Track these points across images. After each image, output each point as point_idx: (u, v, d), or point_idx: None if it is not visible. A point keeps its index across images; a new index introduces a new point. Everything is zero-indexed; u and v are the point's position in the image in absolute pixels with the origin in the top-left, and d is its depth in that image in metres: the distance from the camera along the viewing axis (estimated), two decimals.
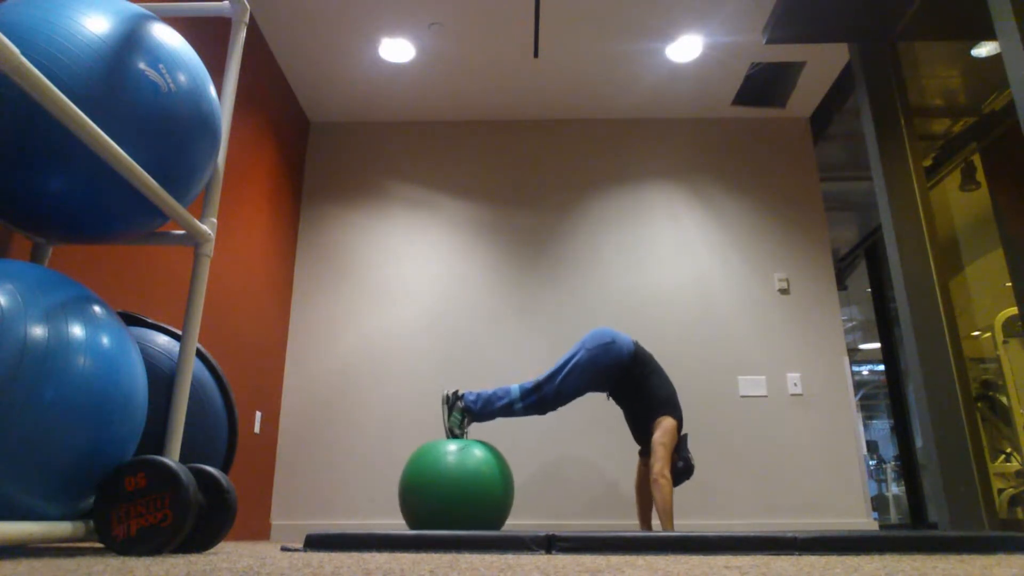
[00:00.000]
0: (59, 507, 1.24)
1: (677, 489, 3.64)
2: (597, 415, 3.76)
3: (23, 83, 1.11)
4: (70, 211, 1.46)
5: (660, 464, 2.51)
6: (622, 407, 2.78)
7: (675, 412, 2.67)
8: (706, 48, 3.72)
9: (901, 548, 1.36)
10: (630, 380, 2.68)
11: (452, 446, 2.53)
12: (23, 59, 1.09)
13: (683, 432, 2.94)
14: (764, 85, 4.08)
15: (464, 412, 2.69)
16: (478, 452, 2.52)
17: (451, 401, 2.70)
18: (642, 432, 2.72)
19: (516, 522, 3.59)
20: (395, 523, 3.62)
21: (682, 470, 2.62)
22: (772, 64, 3.90)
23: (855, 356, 7.00)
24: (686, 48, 3.71)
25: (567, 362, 2.68)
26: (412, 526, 2.51)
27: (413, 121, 4.38)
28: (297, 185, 4.17)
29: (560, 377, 2.65)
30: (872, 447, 7.40)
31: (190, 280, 2.02)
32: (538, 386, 2.67)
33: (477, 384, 3.83)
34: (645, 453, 2.84)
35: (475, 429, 3.74)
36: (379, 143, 4.34)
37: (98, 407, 1.23)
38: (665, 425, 2.60)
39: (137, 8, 1.55)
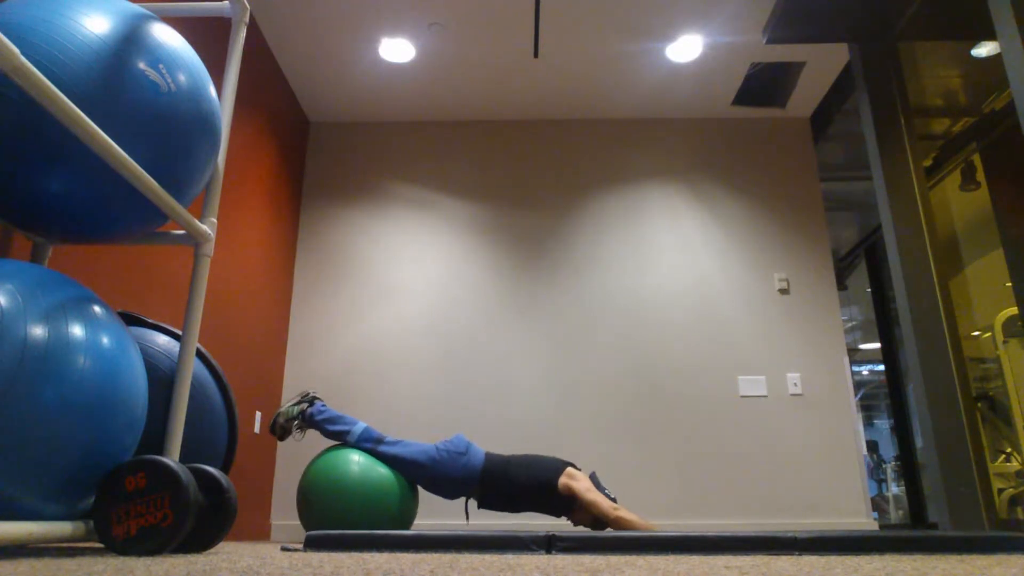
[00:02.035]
0: (59, 507, 1.24)
1: (678, 489, 3.63)
2: (597, 416, 3.77)
3: (23, 83, 1.11)
4: (70, 211, 1.46)
5: (604, 506, 2.38)
6: (512, 510, 2.57)
7: (564, 462, 2.55)
8: (706, 48, 3.72)
9: (901, 548, 1.36)
10: (498, 487, 2.52)
11: (356, 455, 2.49)
12: (23, 59, 1.09)
13: (591, 472, 2.79)
14: (764, 85, 4.08)
15: (302, 413, 2.63)
16: (381, 469, 2.49)
17: (307, 398, 2.66)
18: (562, 506, 2.53)
19: (516, 522, 3.59)
20: None
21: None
22: (772, 64, 3.90)
23: (855, 356, 7.00)
24: (686, 48, 3.71)
25: (412, 449, 2.55)
26: (309, 527, 2.46)
27: (413, 121, 4.38)
28: (297, 185, 4.17)
29: (396, 452, 2.51)
30: (872, 447, 7.40)
31: (190, 280, 2.02)
32: (378, 441, 2.56)
33: (478, 383, 3.83)
34: (581, 518, 2.57)
35: (478, 428, 3.74)
36: (379, 143, 4.34)
37: (98, 407, 1.23)
38: (573, 474, 2.48)
39: (137, 8, 1.55)
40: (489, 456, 2.58)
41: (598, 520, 2.45)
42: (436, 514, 3.61)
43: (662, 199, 4.18)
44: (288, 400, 2.61)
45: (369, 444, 2.54)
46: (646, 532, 1.51)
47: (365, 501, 2.39)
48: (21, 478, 1.14)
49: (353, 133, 4.37)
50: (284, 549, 1.57)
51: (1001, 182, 2.83)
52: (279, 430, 2.64)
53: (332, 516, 2.37)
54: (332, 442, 3.37)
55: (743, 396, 3.78)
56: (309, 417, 2.61)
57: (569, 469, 2.52)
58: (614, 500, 2.46)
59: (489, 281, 4.03)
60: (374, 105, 4.22)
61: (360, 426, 2.59)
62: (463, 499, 3.28)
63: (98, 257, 2.20)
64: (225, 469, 1.80)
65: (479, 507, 2.61)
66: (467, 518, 2.63)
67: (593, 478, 2.52)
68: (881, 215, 2.88)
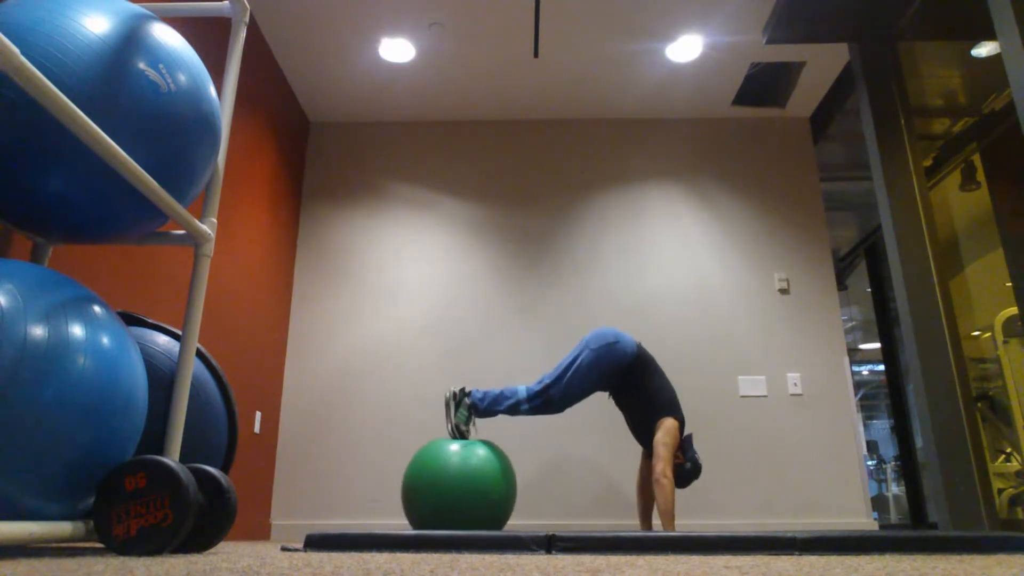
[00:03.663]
0: (59, 507, 1.24)
1: (678, 489, 3.63)
2: (597, 415, 3.76)
3: (23, 83, 1.11)
4: (70, 211, 1.46)
5: (662, 464, 2.51)
6: (623, 408, 2.77)
7: (677, 413, 2.66)
8: (706, 48, 3.72)
9: (901, 548, 1.36)
10: (632, 381, 2.67)
11: (455, 445, 2.53)
12: (23, 59, 1.09)
13: (688, 433, 2.92)
14: (764, 85, 4.08)
15: (471, 409, 2.68)
16: (481, 451, 2.52)
17: (458, 398, 2.69)
18: (644, 433, 2.71)
19: (516, 522, 3.59)
20: (396, 523, 3.62)
21: (690, 471, 2.61)
22: (772, 64, 3.90)
23: (855, 356, 6.99)
24: (686, 48, 3.71)
25: (572, 363, 2.66)
26: (416, 525, 2.51)
27: (413, 121, 4.38)
28: (297, 185, 4.17)
29: (566, 379, 2.64)
30: (872, 447, 7.39)
31: (190, 280, 2.02)
32: (545, 388, 2.66)
33: (477, 384, 3.83)
34: (648, 454, 2.83)
35: (478, 427, 3.74)
36: (379, 143, 4.34)
37: (98, 407, 1.23)
38: (667, 426, 2.60)
39: (137, 8, 1.55)
40: (639, 346, 2.74)
41: (677, 472, 2.63)
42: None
43: (662, 199, 4.18)
44: (448, 413, 2.66)
45: (540, 398, 2.66)
46: (646, 533, 1.51)
47: (465, 495, 2.42)
48: (21, 478, 1.14)
49: (353, 133, 4.37)
50: (284, 549, 1.57)
51: (1001, 182, 2.83)
52: (460, 437, 2.68)
53: (431, 510, 2.41)
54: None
55: (743, 396, 3.78)
56: (477, 410, 2.67)
57: (668, 418, 2.63)
58: (700, 467, 2.62)
59: (489, 281, 4.03)
60: (374, 105, 4.22)
61: (522, 390, 2.68)
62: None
63: (98, 257, 2.20)
64: (225, 469, 1.80)
65: (611, 395, 2.76)
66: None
67: (688, 440, 2.65)
68: (881, 215, 2.88)
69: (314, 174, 4.29)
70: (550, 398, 2.64)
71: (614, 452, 3.70)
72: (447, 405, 2.70)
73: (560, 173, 4.25)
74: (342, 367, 3.89)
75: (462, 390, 2.71)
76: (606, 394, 3.80)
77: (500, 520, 2.53)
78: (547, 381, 2.67)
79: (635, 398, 2.68)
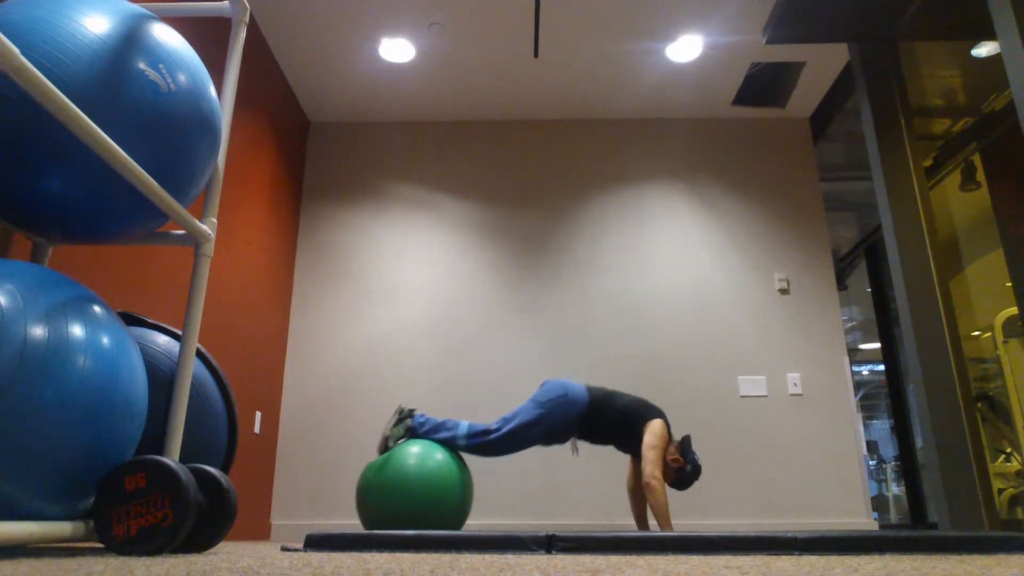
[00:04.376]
0: (59, 507, 1.24)
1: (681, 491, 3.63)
2: None
3: (23, 83, 1.11)
4: (70, 211, 1.46)
5: (651, 467, 2.48)
6: (603, 442, 2.71)
7: (657, 413, 2.63)
8: (706, 48, 3.72)
9: (901, 548, 1.36)
10: (597, 419, 2.63)
11: (415, 447, 2.50)
12: (23, 59, 1.09)
13: (686, 434, 2.90)
14: (764, 85, 4.08)
15: (408, 430, 2.65)
16: (439, 455, 2.50)
17: (403, 414, 2.67)
18: (636, 444, 2.67)
19: (516, 522, 3.59)
20: None
21: (690, 473, 2.59)
22: (772, 64, 3.90)
23: (855, 356, 7.00)
24: (686, 48, 3.71)
25: (516, 416, 2.60)
26: (368, 526, 2.47)
27: (413, 121, 4.38)
28: (297, 185, 4.17)
29: (508, 429, 2.57)
30: (872, 447, 7.40)
31: (190, 280, 2.02)
32: (484, 433, 2.60)
33: (478, 383, 3.83)
34: (637, 459, 2.79)
35: None
36: (379, 143, 4.34)
37: (98, 407, 1.23)
38: (653, 427, 2.57)
39: (137, 8, 1.55)
40: (590, 390, 2.69)
41: (674, 476, 2.61)
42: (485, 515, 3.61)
43: (662, 199, 4.18)
44: (388, 422, 2.64)
45: (479, 439, 2.59)
46: (646, 532, 1.51)
47: (422, 497, 2.39)
48: (21, 478, 1.14)
49: (353, 133, 4.37)
50: (284, 549, 1.57)
51: (1001, 182, 2.83)
52: (386, 451, 2.66)
53: (389, 514, 2.38)
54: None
55: (743, 396, 3.78)
56: (414, 432, 2.63)
57: (655, 420, 2.59)
58: (700, 468, 2.60)
59: (489, 281, 4.03)
60: (374, 105, 4.22)
61: (463, 426, 2.63)
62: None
63: (98, 257, 2.20)
64: (225, 469, 1.80)
65: (578, 438, 2.71)
66: (576, 451, 2.78)
67: (686, 441, 2.62)
68: (881, 215, 2.88)
69: (314, 174, 4.29)
70: (488, 445, 2.59)
71: (614, 452, 3.69)
72: (395, 414, 2.68)
73: (560, 173, 4.25)
74: (342, 367, 3.89)
75: (411, 410, 2.69)
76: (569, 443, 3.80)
77: (456, 522, 2.51)
78: (490, 427, 2.61)
79: (610, 429, 2.64)
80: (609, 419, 2.62)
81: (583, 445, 3.68)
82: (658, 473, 2.48)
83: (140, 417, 1.37)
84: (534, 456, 3.70)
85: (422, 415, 2.67)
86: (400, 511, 2.38)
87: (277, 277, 3.83)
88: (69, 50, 1.35)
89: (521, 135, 4.34)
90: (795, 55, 3.78)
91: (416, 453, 2.48)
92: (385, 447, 2.61)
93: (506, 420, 2.63)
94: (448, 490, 2.44)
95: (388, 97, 4.14)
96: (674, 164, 4.25)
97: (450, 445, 2.59)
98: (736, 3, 3.40)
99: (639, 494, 2.84)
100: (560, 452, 3.71)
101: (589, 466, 3.69)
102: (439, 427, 2.62)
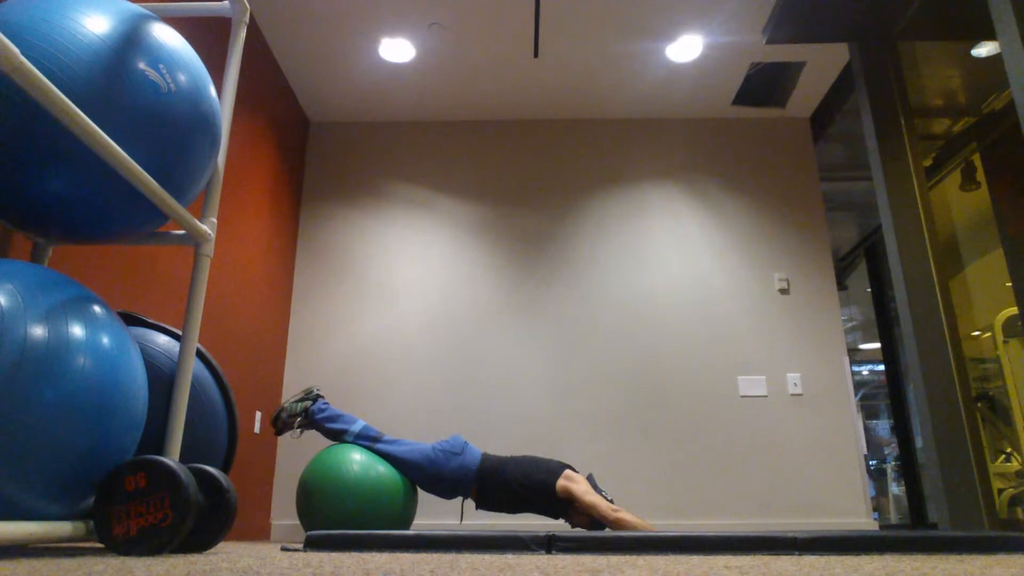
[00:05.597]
0: (59, 507, 1.24)
1: (678, 489, 3.63)
2: (596, 416, 3.77)
3: (23, 83, 1.11)
4: (70, 211, 1.46)
5: (603, 508, 2.37)
6: (524, 511, 2.57)
7: (562, 465, 2.53)
8: (706, 48, 3.72)
9: (901, 548, 1.36)
10: (495, 485, 2.52)
11: (357, 453, 2.49)
12: (23, 59, 1.09)
13: (588, 473, 2.78)
14: (764, 85, 4.08)
15: (305, 411, 2.64)
16: (381, 467, 2.50)
17: (310, 395, 2.66)
18: (560, 508, 2.52)
19: (517, 522, 3.59)
20: None
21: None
22: (772, 64, 3.90)
23: (855, 356, 7.00)
24: (686, 48, 3.71)
25: (408, 449, 2.56)
26: (310, 527, 2.46)
27: (413, 121, 4.38)
28: (297, 185, 4.17)
29: (390, 450, 2.53)
30: (874, 447, 7.39)
31: (190, 280, 2.02)
32: (375, 439, 2.58)
33: (477, 383, 3.83)
34: (576, 518, 2.57)
35: (478, 427, 3.74)
36: (379, 143, 4.35)
37: (98, 407, 1.23)
38: (572, 477, 2.47)
39: (137, 8, 1.55)
40: (486, 456, 2.59)
41: (596, 522, 2.44)
42: (436, 514, 3.61)
43: (662, 199, 4.18)
44: (292, 396, 2.62)
45: (366, 442, 2.56)
46: (646, 532, 1.51)
47: (365, 499, 2.39)
48: (21, 478, 1.14)
49: (353, 133, 4.37)
50: (284, 549, 1.57)
51: (1001, 182, 2.83)
52: (280, 424, 2.65)
53: (332, 514, 2.37)
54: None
55: (743, 396, 3.78)
56: (311, 415, 2.62)
57: (567, 471, 2.52)
58: (611, 501, 2.46)
59: (489, 281, 4.03)
60: (374, 105, 4.22)
61: (359, 424, 2.60)
62: (460, 499, 3.29)
63: (98, 257, 2.20)
64: (225, 469, 1.80)
65: (476, 507, 2.61)
66: (461, 518, 2.64)
67: (590, 479, 2.52)
68: (881, 215, 2.88)
69: (314, 174, 4.29)
70: (371, 451, 2.57)
71: (614, 452, 3.70)
72: (303, 392, 2.66)
73: (560, 173, 4.25)
74: (342, 367, 3.89)
75: (319, 395, 2.68)
76: (608, 392, 3.80)
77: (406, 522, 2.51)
78: (382, 437, 2.56)
79: (518, 497, 2.51)
80: (513, 484, 2.50)
81: None
82: (609, 508, 2.37)
83: (140, 417, 1.37)
84: None
85: (325, 403, 2.65)
86: (344, 513, 2.37)
87: (277, 277, 3.83)
88: (69, 50, 1.35)
89: (521, 135, 4.34)
90: (795, 55, 3.78)
91: (359, 460, 2.47)
92: (278, 417, 2.61)
93: (398, 443, 2.57)
94: (392, 494, 2.44)
95: (388, 97, 4.14)
96: (674, 164, 4.25)
97: (339, 438, 2.58)
98: (736, 3, 3.40)
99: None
100: (561, 452, 3.71)
101: (589, 467, 3.69)
102: (336, 418, 2.61)
